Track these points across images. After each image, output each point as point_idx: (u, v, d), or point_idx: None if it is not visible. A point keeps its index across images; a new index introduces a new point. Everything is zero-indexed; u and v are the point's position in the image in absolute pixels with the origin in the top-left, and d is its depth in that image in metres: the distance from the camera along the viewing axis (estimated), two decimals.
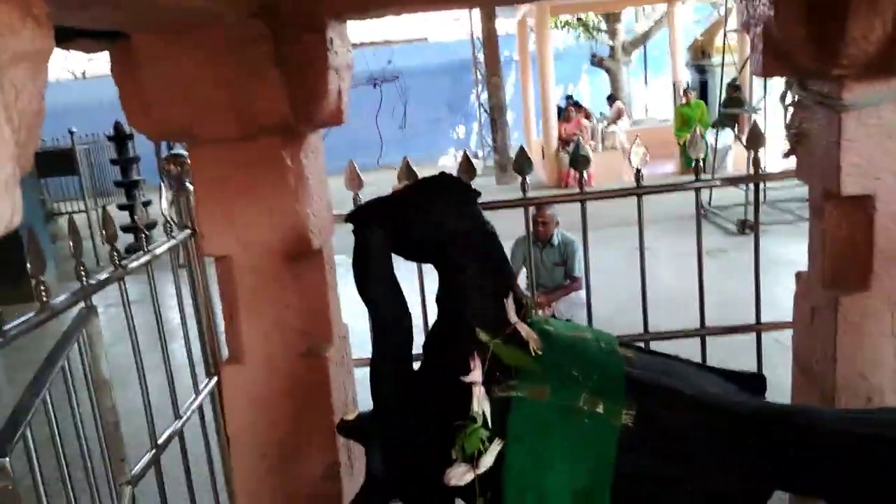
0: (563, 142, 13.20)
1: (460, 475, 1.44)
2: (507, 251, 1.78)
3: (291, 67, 1.85)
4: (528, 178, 2.35)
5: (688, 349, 2.34)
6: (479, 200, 1.64)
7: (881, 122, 1.90)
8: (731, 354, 2.91)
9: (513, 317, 1.53)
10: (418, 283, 2.46)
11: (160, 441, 2.09)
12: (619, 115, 14.54)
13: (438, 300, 1.61)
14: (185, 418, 2.26)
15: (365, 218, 1.58)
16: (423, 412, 1.56)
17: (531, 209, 5.18)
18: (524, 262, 2.87)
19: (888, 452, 1.45)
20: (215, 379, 2.44)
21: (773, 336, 3.41)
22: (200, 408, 2.36)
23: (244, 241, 2.10)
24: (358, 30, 15.20)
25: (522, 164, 2.29)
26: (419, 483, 1.59)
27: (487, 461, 1.45)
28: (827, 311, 2.12)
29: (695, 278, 2.53)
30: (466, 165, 2.27)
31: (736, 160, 11.44)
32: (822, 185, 2.07)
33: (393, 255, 1.59)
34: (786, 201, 9.14)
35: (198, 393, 2.37)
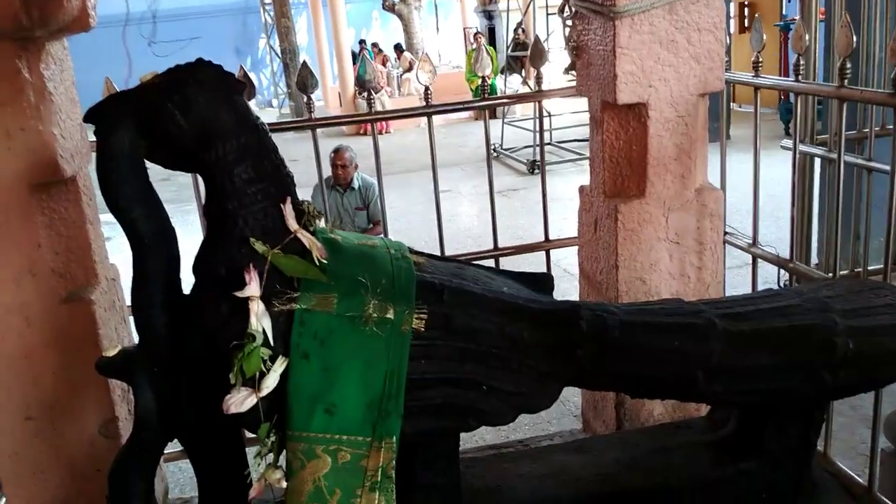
0: (360, 86, 12.99)
1: (240, 401, 1.30)
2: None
3: None
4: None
5: None
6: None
7: (653, 29, 1.97)
8: None
9: (293, 224, 1.40)
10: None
11: None
12: (409, 67, 14.52)
13: (206, 212, 1.43)
14: None
15: (110, 113, 1.34)
16: (197, 337, 1.40)
17: (332, 150, 5.03)
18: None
19: (669, 339, 1.51)
20: None
21: (562, 267, 3.55)
22: None
23: None
24: None
25: (306, 79, 2.12)
26: (197, 417, 1.43)
27: (271, 382, 1.33)
28: (608, 221, 2.21)
29: None
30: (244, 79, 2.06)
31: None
32: (601, 96, 2.13)
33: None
34: (569, 141, 9.72)
35: None
